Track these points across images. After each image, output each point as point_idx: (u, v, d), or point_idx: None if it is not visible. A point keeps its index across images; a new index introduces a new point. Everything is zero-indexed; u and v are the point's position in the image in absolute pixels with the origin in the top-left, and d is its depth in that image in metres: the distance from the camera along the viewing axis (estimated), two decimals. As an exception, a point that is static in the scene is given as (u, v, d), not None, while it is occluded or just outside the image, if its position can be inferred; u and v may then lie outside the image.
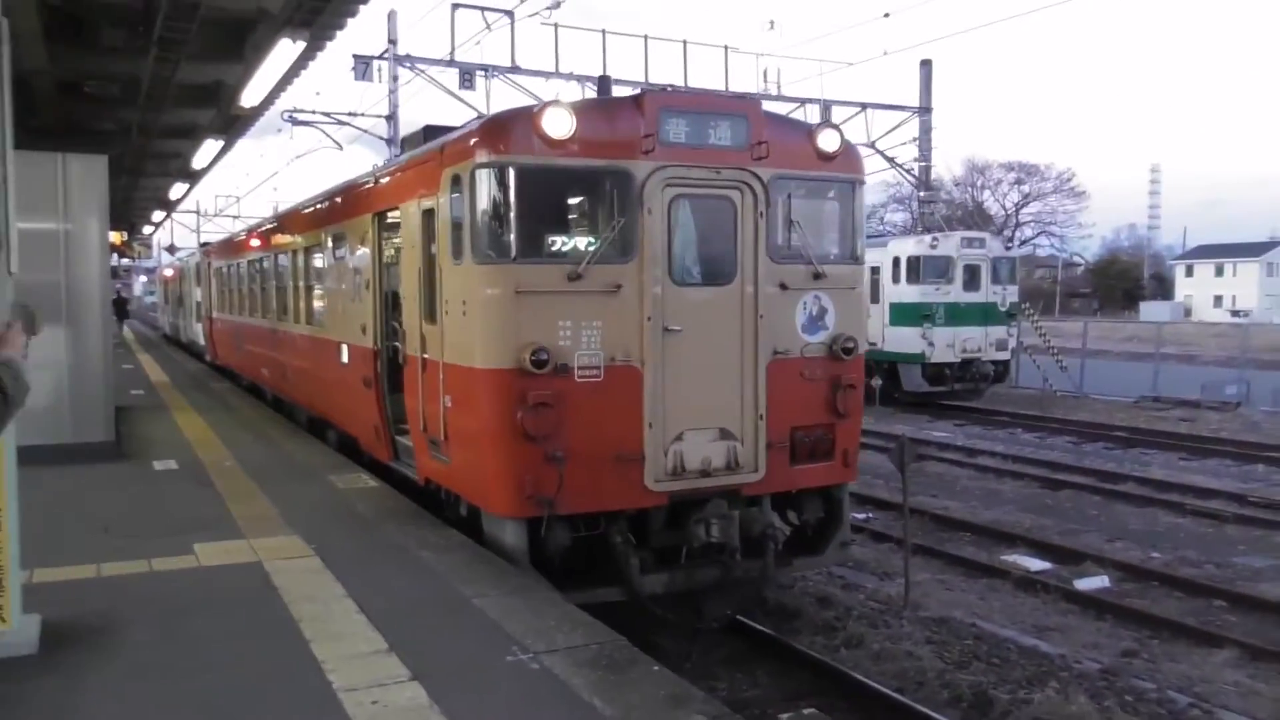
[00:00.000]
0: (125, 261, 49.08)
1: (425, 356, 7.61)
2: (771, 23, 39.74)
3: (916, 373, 22.43)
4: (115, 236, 27.32)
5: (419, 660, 4.79)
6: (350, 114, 23.46)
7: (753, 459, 7.08)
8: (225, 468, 9.94)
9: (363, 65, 21.48)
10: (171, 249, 47.33)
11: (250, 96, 12.34)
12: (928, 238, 23.65)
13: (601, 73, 16.74)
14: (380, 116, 22.87)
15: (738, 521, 7.03)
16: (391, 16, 21.68)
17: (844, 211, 7.73)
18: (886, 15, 22.47)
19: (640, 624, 6.70)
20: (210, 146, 16.54)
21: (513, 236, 6.55)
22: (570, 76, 21.33)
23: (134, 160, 17.87)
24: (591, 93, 18.32)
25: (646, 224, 6.70)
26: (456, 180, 6.87)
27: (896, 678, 7.13)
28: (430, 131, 8.58)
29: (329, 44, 11.30)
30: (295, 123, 22.78)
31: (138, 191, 24.25)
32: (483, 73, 20.88)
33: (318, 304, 11.71)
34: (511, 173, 6.52)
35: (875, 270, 22.66)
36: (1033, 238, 78.97)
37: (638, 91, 7.22)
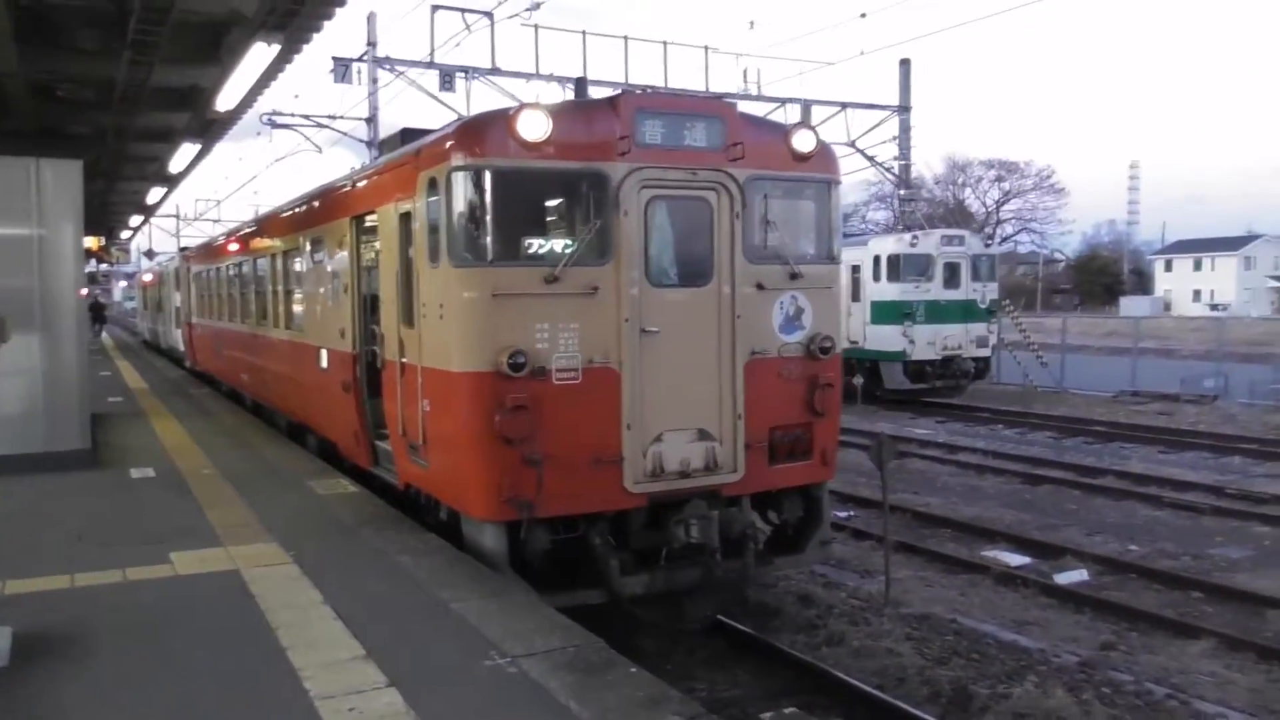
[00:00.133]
0: (104, 267, 48.61)
1: (404, 360, 7.58)
2: (751, 23, 39.83)
3: (898, 370, 22.56)
4: (92, 242, 27.08)
5: (396, 666, 4.78)
6: (330, 117, 23.26)
7: (731, 459, 7.09)
8: (204, 475, 9.86)
9: (342, 67, 21.41)
10: (150, 254, 46.93)
11: (226, 100, 12.26)
12: (908, 236, 23.76)
13: (581, 74, 16.76)
14: (360, 119, 22.73)
15: (717, 522, 7.04)
16: (371, 18, 21.63)
17: (820, 211, 7.76)
18: (863, 15, 22.60)
19: (621, 626, 6.71)
20: (187, 150, 16.41)
21: (489, 239, 6.53)
22: (550, 78, 21.36)
23: (110, 164, 17.71)
24: (572, 94, 18.32)
25: (623, 226, 6.69)
26: (433, 183, 6.85)
27: (877, 675, 7.16)
28: (407, 134, 8.55)
29: (305, 47, 11.25)
30: (274, 125, 22.54)
31: (114, 196, 24.01)
32: (463, 74, 20.84)
33: (297, 308, 11.64)
34: (487, 175, 6.50)
35: (856, 269, 22.80)
36: (1014, 234, 79.38)
37: (614, 93, 7.22)
